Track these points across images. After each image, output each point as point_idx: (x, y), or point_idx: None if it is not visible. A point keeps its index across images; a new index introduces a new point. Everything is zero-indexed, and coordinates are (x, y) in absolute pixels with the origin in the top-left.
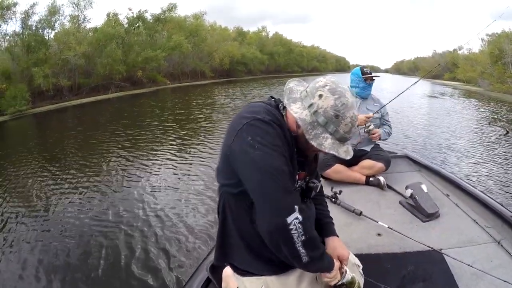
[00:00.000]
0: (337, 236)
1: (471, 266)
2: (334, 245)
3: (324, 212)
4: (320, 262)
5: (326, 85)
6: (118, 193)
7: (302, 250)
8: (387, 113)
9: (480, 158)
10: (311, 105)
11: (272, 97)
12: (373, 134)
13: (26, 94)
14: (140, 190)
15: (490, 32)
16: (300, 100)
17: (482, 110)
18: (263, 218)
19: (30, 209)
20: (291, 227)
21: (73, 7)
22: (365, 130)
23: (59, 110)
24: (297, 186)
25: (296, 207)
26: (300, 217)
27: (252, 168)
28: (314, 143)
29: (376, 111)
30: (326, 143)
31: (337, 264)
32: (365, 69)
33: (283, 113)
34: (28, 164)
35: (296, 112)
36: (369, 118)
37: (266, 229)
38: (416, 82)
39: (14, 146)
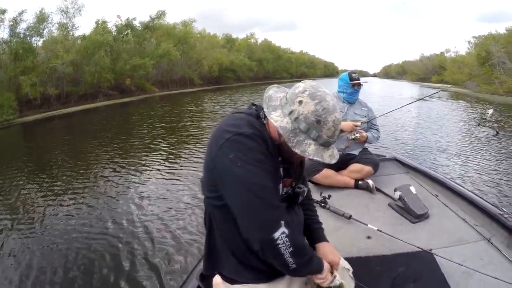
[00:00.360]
0: (327, 241)
1: (462, 265)
2: (325, 251)
3: (313, 218)
4: (307, 267)
5: (306, 90)
6: (108, 203)
7: (290, 260)
8: (375, 116)
9: (470, 159)
10: (291, 112)
11: (253, 104)
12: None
13: (14, 103)
14: (130, 199)
15: (477, 34)
16: (280, 108)
17: (471, 111)
18: (250, 235)
19: (18, 220)
20: (278, 241)
21: (62, 14)
22: (351, 138)
23: (47, 119)
24: (283, 193)
25: (282, 222)
26: (287, 231)
27: (235, 186)
28: (297, 150)
29: (364, 122)
30: (309, 150)
31: (327, 265)
32: (353, 75)
33: (264, 122)
34: (16, 174)
35: (277, 120)
36: (356, 126)
37: (255, 245)
38: (430, 95)
39: (1, 156)
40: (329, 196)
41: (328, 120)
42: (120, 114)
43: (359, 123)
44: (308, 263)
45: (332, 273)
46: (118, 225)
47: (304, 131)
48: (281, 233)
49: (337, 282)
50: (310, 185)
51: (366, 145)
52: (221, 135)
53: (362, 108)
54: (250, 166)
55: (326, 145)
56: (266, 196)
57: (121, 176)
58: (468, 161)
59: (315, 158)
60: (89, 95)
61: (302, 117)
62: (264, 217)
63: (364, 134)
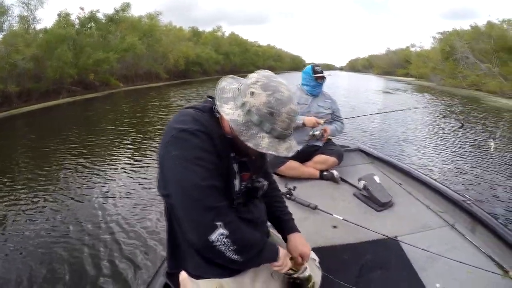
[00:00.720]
0: (299, 231)
1: (427, 251)
2: (296, 242)
3: (282, 209)
4: (259, 258)
5: (258, 81)
6: (74, 203)
7: (235, 257)
8: (338, 108)
9: (436, 149)
10: (243, 104)
11: (210, 96)
12: (324, 132)
13: None
14: (97, 198)
15: (442, 30)
16: (233, 100)
17: (436, 103)
18: (189, 236)
19: None
20: (216, 243)
21: (23, 7)
22: (311, 133)
23: (8, 118)
24: (242, 187)
25: (219, 223)
26: (225, 232)
27: (175, 185)
28: (250, 144)
29: (328, 116)
30: (263, 143)
31: (283, 252)
32: (316, 68)
33: (218, 116)
34: None
35: (228, 113)
36: (319, 123)
37: (195, 246)
38: None
39: None
40: (294, 188)
41: (281, 112)
42: (84, 111)
43: (322, 121)
44: (259, 255)
45: (302, 264)
46: (85, 227)
47: (257, 124)
48: (218, 235)
49: (306, 273)
50: (275, 177)
51: (330, 136)
52: (167, 133)
53: (326, 100)
54: (189, 164)
55: (281, 137)
56: (202, 198)
57: (86, 175)
58: (434, 152)
59: (269, 152)
60: (51, 92)
61: (254, 109)
62: (199, 218)
63: (328, 131)
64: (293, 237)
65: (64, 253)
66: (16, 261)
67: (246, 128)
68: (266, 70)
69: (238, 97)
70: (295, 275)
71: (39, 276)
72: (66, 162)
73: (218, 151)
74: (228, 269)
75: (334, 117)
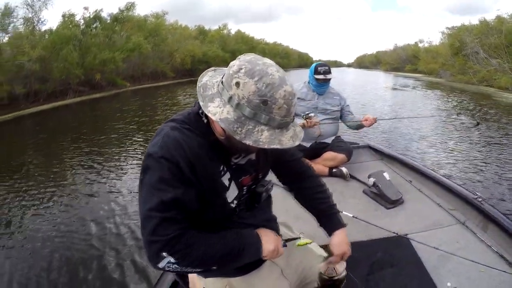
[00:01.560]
0: (344, 226)
1: (438, 249)
2: (339, 240)
3: (327, 201)
4: (237, 262)
5: (241, 68)
6: (84, 202)
7: (197, 270)
8: (348, 105)
9: (448, 148)
10: (231, 98)
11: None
12: (365, 120)
13: None
14: (107, 197)
15: (450, 25)
16: (219, 95)
17: (446, 100)
18: None
19: None
20: (168, 269)
21: (27, 8)
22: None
23: (16, 119)
24: (244, 192)
25: (164, 253)
26: (173, 260)
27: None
28: (248, 141)
29: (335, 110)
30: (263, 138)
31: (268, 247)
32: (319, 68)
33: (205, 120)
34: None
35: (215, 112)
36: (315, 124)
37: None
38: None
39: None
40: None
41: (276, 97)
42: (92, 110)
43: (318, 123)
44: (237, 260)
45: (338, 262)
46: (98, 223)
47: (251, 117)
48: (166, 263)
49: (344, 273)
50: None
51: (339, 133)
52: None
53: (334, 97)
54: (146, 193)
55: (283, 126)
56: (150, 230)
57: (97, 174)
58: (447, 149)
59: (272, 147)
60: (58, 92)
61: (245, 101)
62: (147, 248)
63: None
64: (337, 235)
65: (77, 250)
66: (32, 257)
67: (240, 125)
68: (248, 54)
69: (224, 91)
70: (335, 278)
71: (55, 272)
72: (77, 161)
73: (186, 178)
74: (236, 270)
75: (344, 112)
